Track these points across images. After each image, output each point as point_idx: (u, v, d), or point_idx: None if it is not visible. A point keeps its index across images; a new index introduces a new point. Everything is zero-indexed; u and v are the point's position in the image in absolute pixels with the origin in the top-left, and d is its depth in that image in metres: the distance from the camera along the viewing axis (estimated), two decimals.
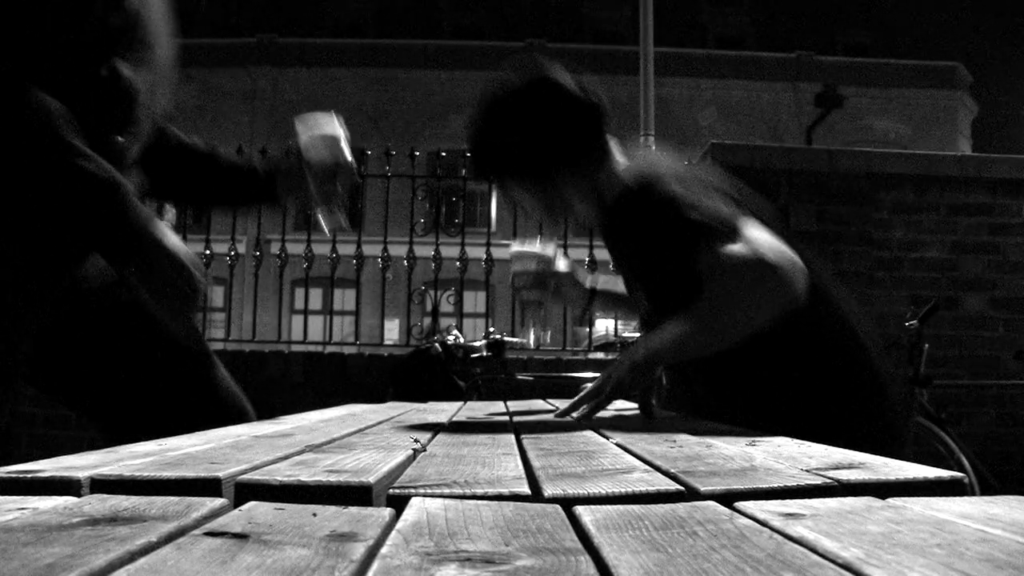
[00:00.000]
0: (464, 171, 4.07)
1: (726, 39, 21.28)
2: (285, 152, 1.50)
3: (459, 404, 1.83)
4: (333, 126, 1.45)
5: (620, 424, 1.17)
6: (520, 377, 3.74)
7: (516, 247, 1.65)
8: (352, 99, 18.77)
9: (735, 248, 1.23)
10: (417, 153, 4.12)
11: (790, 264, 1.23)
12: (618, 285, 1.76)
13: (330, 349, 4.15)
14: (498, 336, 3.46)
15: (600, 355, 4.23)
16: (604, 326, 4.92)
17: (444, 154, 4.21)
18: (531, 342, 1.64)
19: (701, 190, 1.34)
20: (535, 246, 1.66)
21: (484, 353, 3.47)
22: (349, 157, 1.44)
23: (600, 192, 1.45)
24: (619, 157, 1.47)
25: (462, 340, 3.45)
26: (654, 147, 5.17)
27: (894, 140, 18.30)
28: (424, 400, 2.05)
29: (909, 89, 19.36)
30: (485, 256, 4.11)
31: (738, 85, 19.15)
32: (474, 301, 13.83)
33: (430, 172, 4.31)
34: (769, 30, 21.10)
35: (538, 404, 1.80)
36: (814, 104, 18.61)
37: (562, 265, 1.68)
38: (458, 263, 4.05)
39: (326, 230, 1.47)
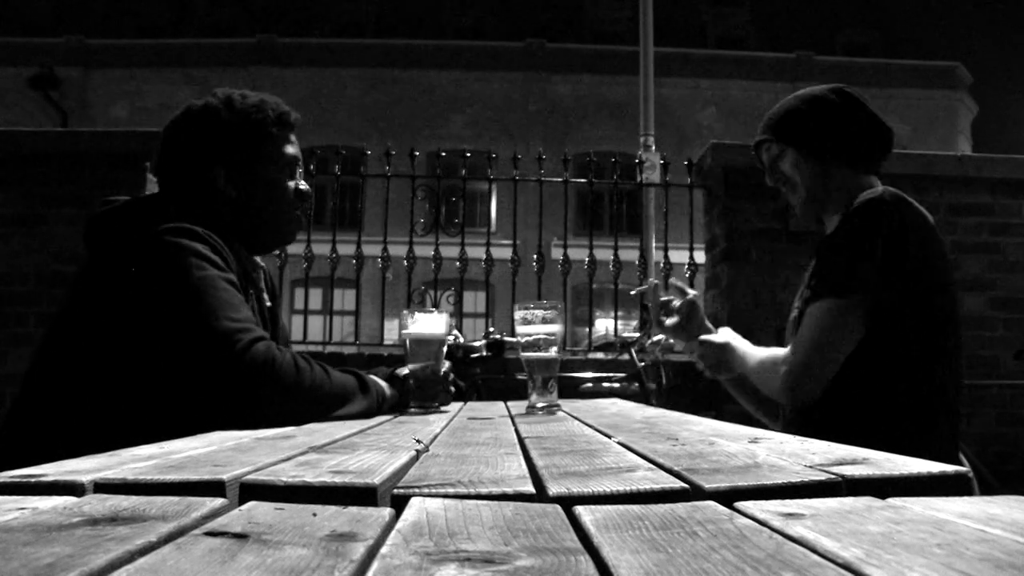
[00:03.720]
0: (464, 171, 4.07)
1: (726, 39, 21.27)
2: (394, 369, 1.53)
3: (459, 404, 1.83)
4: (440, 329, 1.46)
5: (622, 424, 1.17)
6: (520, 377, 3.74)
7: (653, 280, 1.80)
8: (352, 99, 18.77)
9: (808, 326, 1.47)
10: (417, 153, 4.11)
11: (801, 370, 1.47)
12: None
13: (330, 349, 4.14)
14: (498, 336, 3.45)
15: (600, 355, 4.22)
16: (604, 326, 4.91)
17: (444, 154, 4.20)
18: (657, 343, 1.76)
19: (869, 240, 1.46)
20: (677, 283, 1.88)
21: (484, 353, 3.47)
22: (446, 365, 1.49)
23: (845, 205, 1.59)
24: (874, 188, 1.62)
25: (462, 340, 3.44)
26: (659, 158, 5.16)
27: (894, 140, 18.29)
28: None
29: (909, 89, 19.34)
30: (485, 256, 4.11)
31: (738, 85, 19.14)
32: (474, 301, 13.83)
33: (430, 172, 4.30)
34: (769, 30, 21.09)
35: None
36: None
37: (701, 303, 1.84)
38: (458, 263, 4.05)
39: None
